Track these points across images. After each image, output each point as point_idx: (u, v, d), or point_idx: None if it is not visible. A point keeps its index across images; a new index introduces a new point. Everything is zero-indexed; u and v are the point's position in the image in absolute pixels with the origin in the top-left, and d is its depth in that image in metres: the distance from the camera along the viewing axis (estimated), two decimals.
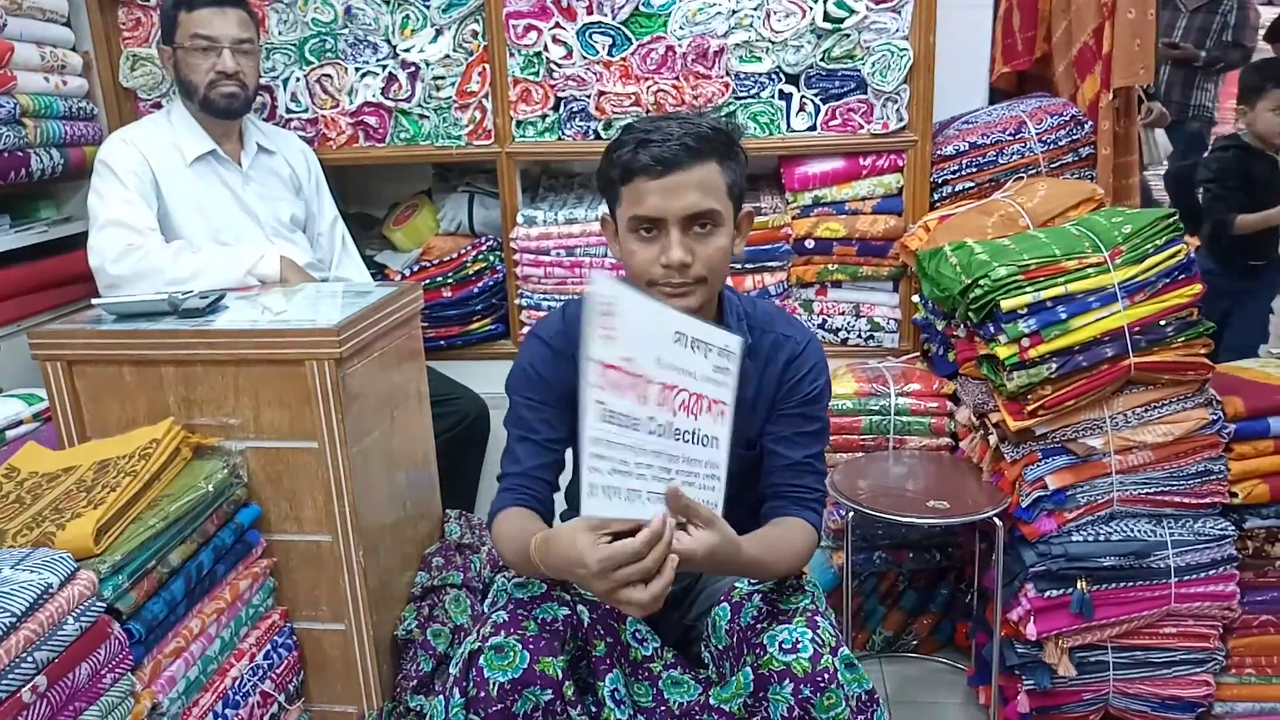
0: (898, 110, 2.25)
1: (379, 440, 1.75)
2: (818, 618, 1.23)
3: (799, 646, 1.17)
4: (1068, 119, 2.27)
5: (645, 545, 1.05)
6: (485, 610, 1.34)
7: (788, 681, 1.15)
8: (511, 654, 1.19)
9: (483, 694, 1.17)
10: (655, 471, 1.10)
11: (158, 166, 2.06)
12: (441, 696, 1.22)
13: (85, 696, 1.25)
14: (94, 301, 1.76)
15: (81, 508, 1.39)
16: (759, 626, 1.26)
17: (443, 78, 2.33)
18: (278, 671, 1.67)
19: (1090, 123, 2.28)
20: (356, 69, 2.36)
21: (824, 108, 2.26)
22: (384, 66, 2.35)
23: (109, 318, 1.73)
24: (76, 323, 1.71)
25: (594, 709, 1.25)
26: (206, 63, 2.05)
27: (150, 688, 1.38)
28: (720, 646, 1.30)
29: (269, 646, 1.67)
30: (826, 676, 1.16)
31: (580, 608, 1.29)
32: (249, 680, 1.61)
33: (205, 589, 1.55)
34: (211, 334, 1.63)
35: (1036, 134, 2.26)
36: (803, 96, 2.26)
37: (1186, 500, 1.78)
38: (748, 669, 1.20)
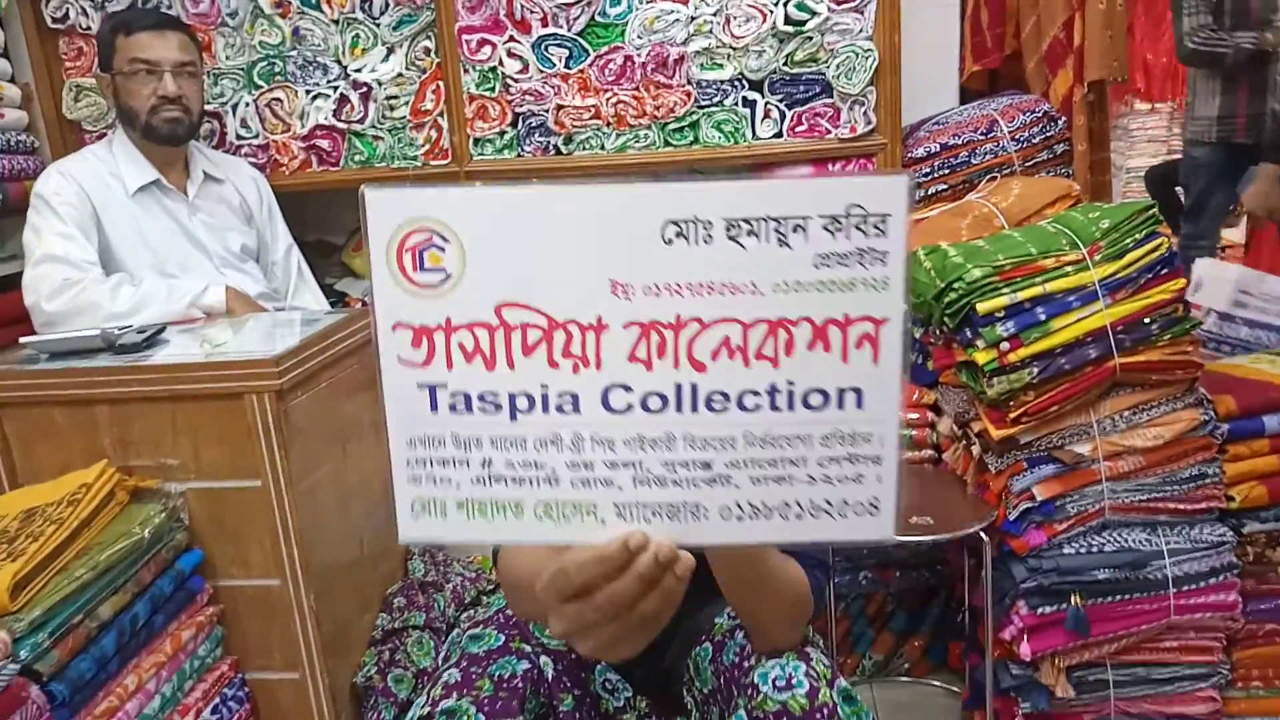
0: (865, 113, 2.18)
1: (330, 475, 1.66)
2: (808, 648, 1.14)
3: (794, 682, 1.07)
4: (1040, 116, 2.21)
5: (619, 550, 0.72)
6: (438, 666, 1.24)
7: None
8: (464, 718, 1.09)
9: None
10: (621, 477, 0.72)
11: (98, 199, 1.98)
12: None
13: None
14: (23, 340, 1.67)
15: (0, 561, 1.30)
16: (745, 665, 1.16)
17: (396, 97, 2.26)
18: None
19: (1064, 119, 2.22)
20: (307, 91, 2.29)
21: (789, 114, 2.19)
22: (335, 88, 2.28)
23: (41, 356, 1.64)
24: (5, 362, 1.62)
25: None
26: (147, 88, 1.98)
27: None
28: (706, 690, 1.20)
29: (218, 700, 1.57)
30: (826, 712, 1.06)
31: (544, 659, 1.19)
32: None
33: (142, 642, 1.45)
34: (146, 370, 1.54)
35: (1009, 132, 2.20)
36: (767, 103, 2.20)
37: (1181, 506, 1.69)
38: (741, 712, 1.10)
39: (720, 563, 0.99)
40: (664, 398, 0.70)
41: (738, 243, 0.67)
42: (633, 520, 0.72)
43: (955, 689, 2.01)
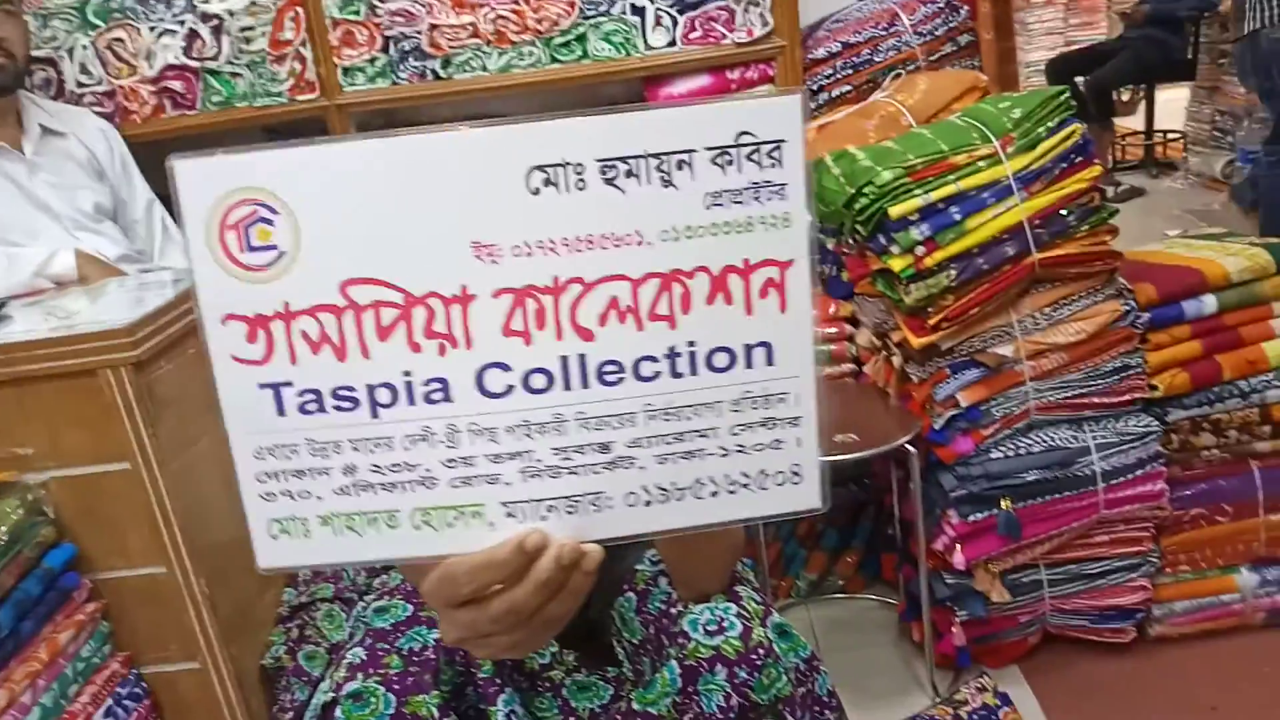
0: (761, 14, 2.06)
1: (209, 449, 1.52)
2: (737, 587, 1.06)
3: (725, 625, 1.00)
4: (943, 6, 2.13)
5: (514, 554, 0.63)
6: (343, 643, 1.14)
7: (720, 667, 0.98)
8: (373, 700, 0.98)
9: None
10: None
11: None
12: None
13: None
14: None
15: None
16: (673, 612, 1.08)
17: (251, 28, 2.06)
18: None
19: (966, 9, 2.13)
20: (152, 29, 2.08)
21: (682, 19, 2.06)
22: (182, 23, 2.07)
23: None
24: None
25: None
26: None
27: None
28: (635, 640, 1.13)
29: (110, 701, 1.44)
30: (761, 652, 0.98)
31: None
32: None
33: (10, 653, 1.31)
34: None
35: (911, 25, 2.10)
36: (658, 9, 2.06)
37: (1106, 400, 1.66)
38: (673, 663, 1.03)
39: None
40: (549, 374, 0.60)
41: (615, 186, 0.57)
42: (526, 519, 0.63)
43: (891, 601, 1.99)
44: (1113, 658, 1.75)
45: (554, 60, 2.07)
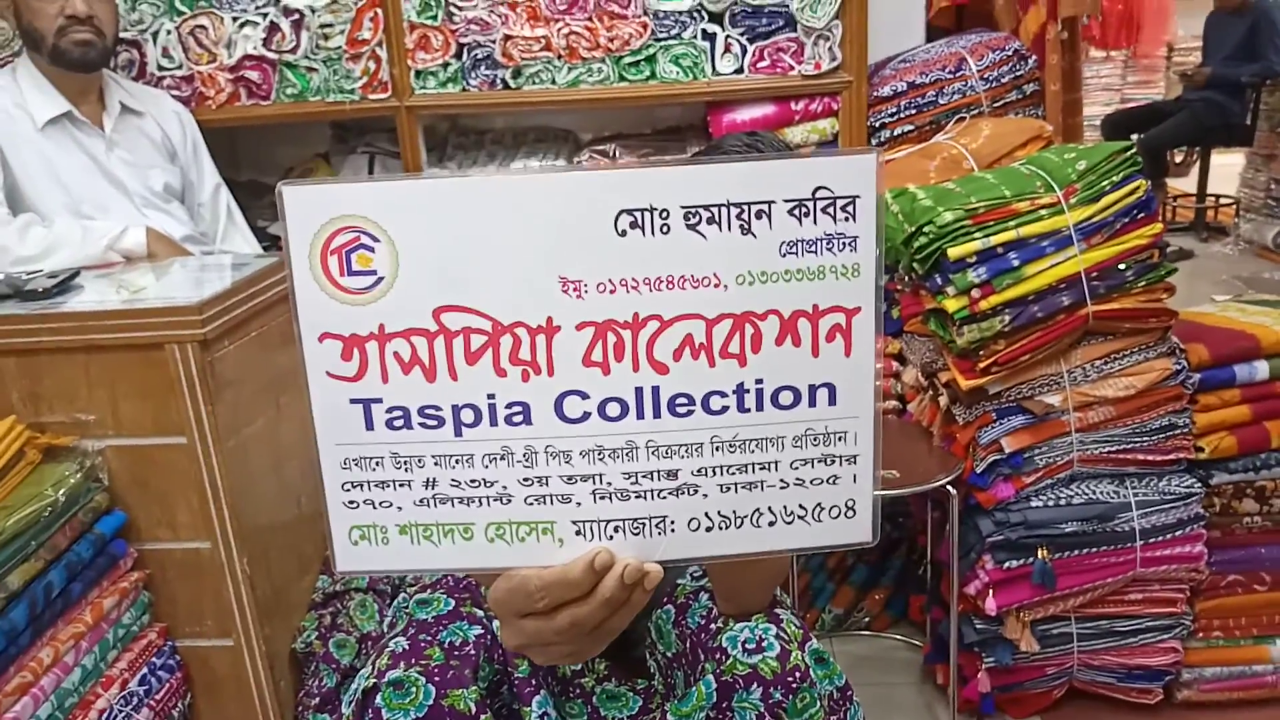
0: (830, 49, 2.08)
1: (262, 431, 1.55)
2: (777, 610, 1.08)
3: (764, 645, 1.01)
4: (1010, 54, 2.13)
5: (584, 573, 0.66)
6: (383, 632, 1.15)
7: (755, 686, 0.99)
8: (413, 690, 1.00)
9: None
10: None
11: (2, 133, 1.81)
12: None
13: None
14: None
15: None
16: (712, 628, 1.09)
17: (330, 25, 2.10)
18: (157, 697, 1.47)
19: (1034, 58, 2.14)
20: (234, 18, 2.12)
21: (751, 48, 2.08)
22: (264, 15, 2.11)
23: None
24: None
25: None
26: (53, 6, 1.80)
27: None
28: (670, 653, 1.14)
29: (145, 670, 1.47)
30: (798, 675, 1.00)
31: (496, 624, 1.11)
32: (121, 710, 1.41)
33: (58, 612, 1.34)
34: (57, 318, 1.41)
35: (978, 71, 2.11)
36: (728, 36, 2.08)
37: (1150, 457, 1.66)
38: (709, 678, 1.04)
39: None
40: (623, 403, 0.64)
41: (697, 231, 0.61)
42: (594, 538, 0.66)
43: (917, 642, 1.98)
44: (1137, 718, 1.73)
45: (622, 79, 2.10)
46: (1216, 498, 1.68)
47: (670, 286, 0.62)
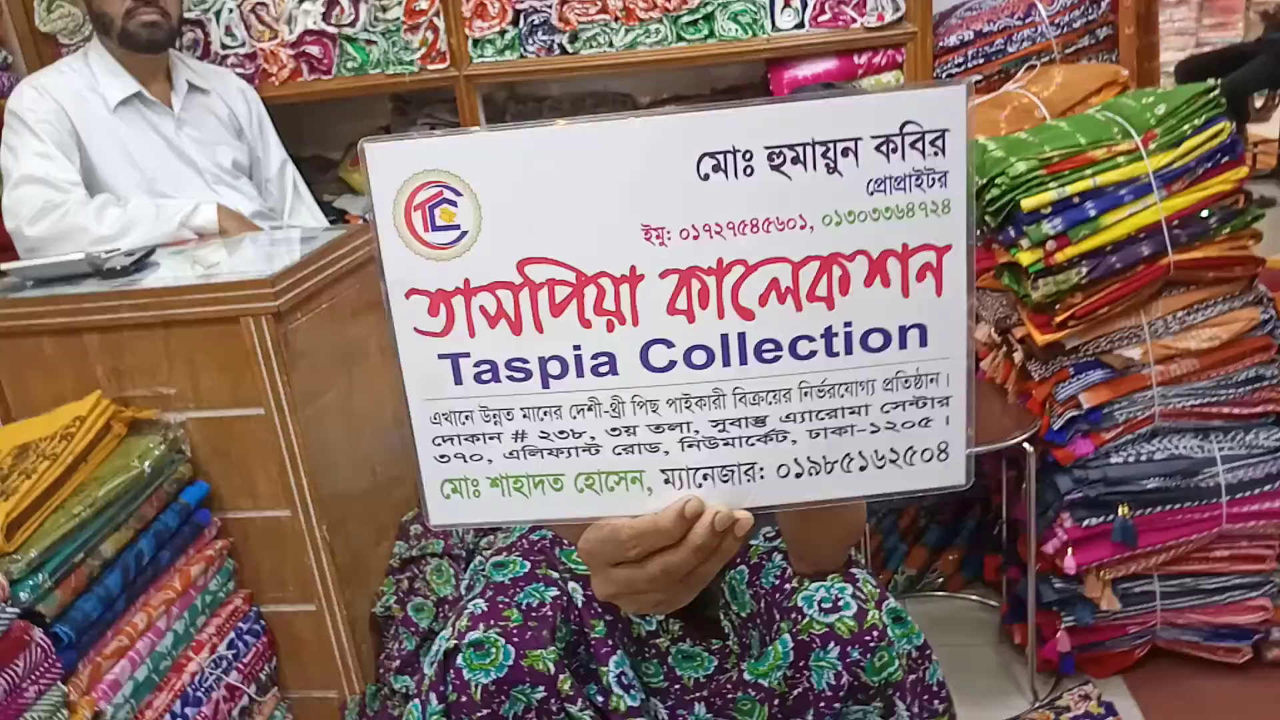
0: (894, 0, 2.02)
1: (336, 401, 1.58)
2: (853, 569, 1.07)
3: (840, 604, 1.01)
4: None
5: (675, 521, 0.66)
6: (462, 594, 1.17)
7: (833, 645, 0.99)
8: (494, 650, 1.01)
9: (464, 698, 1.00)
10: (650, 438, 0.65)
11: (77, 115, 1.86)
12: (417, 701, 1.06)
13: (6, 715, 1.10)
14: (3, 267, 1.57)
15: None
16: (787, 587, 1.09)
17: None
18: (245, 661, 1.52)
19: (1107, 1, 2.06)
20: None
21: (811, 1, 2.04)
22: None
23: (26, 284, 1.55)
24: None
25: (599, 698, 1.09)
26: None
27: (89, 695, 1.23)
28: (744, 614, 1.14)
29: (233, 635, 1.51)
30: (875, 634, 0.99)
31: (572, 585, 1.12)
32: (211, 673, 1.46)
33: (150, 579, 1.39)
34: (135, 294, 1.45)
35: (1048, 16, 2.04)
36: None
37: (1236, 411, 1.60)
38: (786, 637, 1.04)
39: None
40: (709, 351, 0.63)
41: (782, 173, 0.59)
42: (682, 486, 0.66)
43: (992, 603, 1.95)
44: (1225, 678, 1.69)
45: (680, 39, 2.07)
46: None
47: (755, 230, 0.60)
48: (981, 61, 2.06)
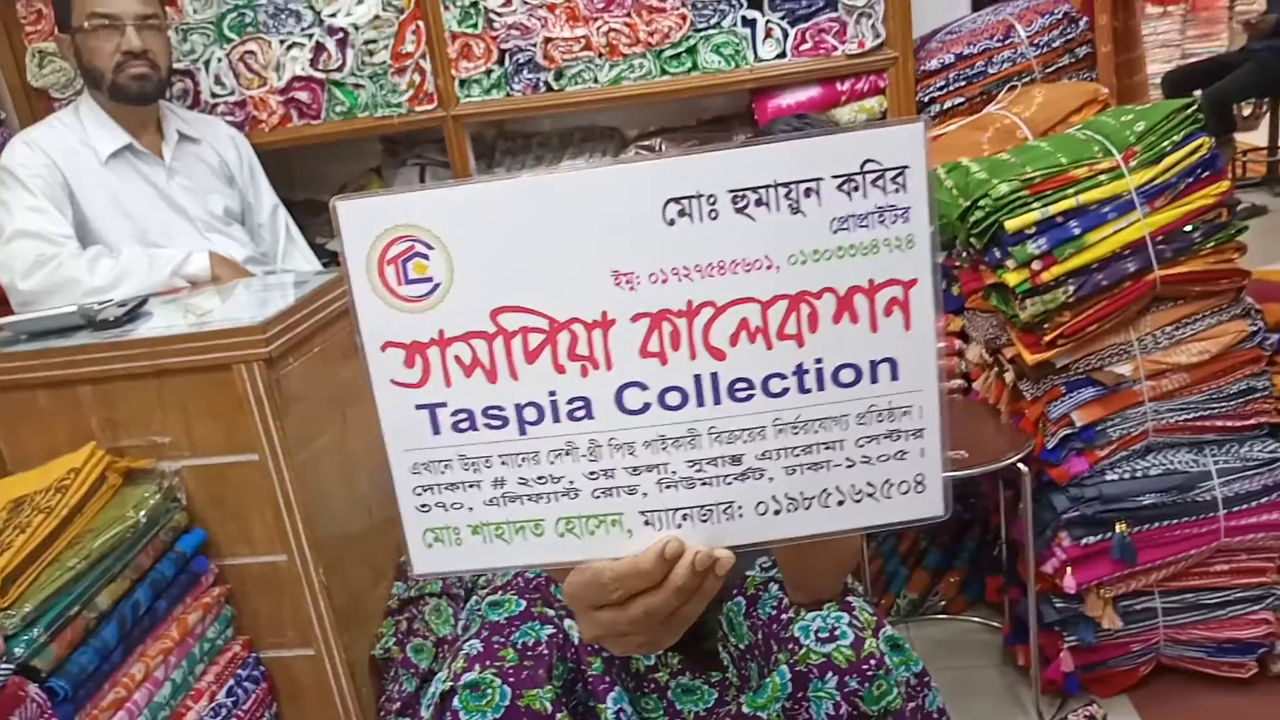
0: (873, 26, 2.04)
1: (331, 444, 1.58)
2: (849, 597, 1.07)
3: (837, 634, 1.00)
4: (1060, 18, 2.08)
5: (656, 562, 0.67)
6: (458, 635, 1.17)
7: (830, 675, 0.98)
8: (490, 691, 1.01)
9: None
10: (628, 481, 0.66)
11: (68, 169, 1.88)
12: None
13: None
14: None
15: None
16: (784, 618, 1.09)
17: (374, 41, 2.13)
18: (244, 708, 1.51)
19: (1085, 19, 2.08)
20: (281, 41, 2.17)
21: (792, 31, 2.06)
22: (310, 36, 2.15)
23: (20, 337, 1.56)
24: None
25: None
26: (110, 44, 1.86)
27: None
28: (742, 645, 1.14)
29: (232, 682, 1.51)
30: (873, 663, 0.99)
31: (568, 622, 1.12)
32: None
33: (146, 629, 1.38)
34: (127, 345, 1.45)
35: (1027, 37, 2.06)
36: (768, 21, 2.06)
37: (1229, 423, 1.60)
38: (784, 668, 1.03)
39: None
40: (683, 392, 0.64)
41: (746, 215, 0.61)
42: (662, 527, 0.67)
43: (995, 624, 1.94)
44: (1230, 693, 1.68)
45: (664, 72, 2.09)
46: None
47: (722, 272, 0.61)
48: (963, 84, 2.08)
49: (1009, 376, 1.68)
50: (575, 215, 0.60)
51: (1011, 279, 1.55)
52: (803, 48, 2.07)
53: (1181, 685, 1.71)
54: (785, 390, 0.64)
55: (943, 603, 2.01)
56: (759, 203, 0.61)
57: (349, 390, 1.66)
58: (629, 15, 2.05)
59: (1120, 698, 1.70)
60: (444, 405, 0.64)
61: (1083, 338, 1.55)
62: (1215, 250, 1.56)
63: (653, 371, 0.63)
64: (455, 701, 1.00)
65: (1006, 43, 2.06)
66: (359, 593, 1.63)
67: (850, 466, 0.66)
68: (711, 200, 0.60)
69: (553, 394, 0.64)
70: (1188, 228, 1.54)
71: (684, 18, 2.05)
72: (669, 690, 1.16)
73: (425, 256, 0.62)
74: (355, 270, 0.63)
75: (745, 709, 1.07)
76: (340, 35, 2.14)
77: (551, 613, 1.12)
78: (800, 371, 0.63)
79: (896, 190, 0.60)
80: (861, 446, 0.65)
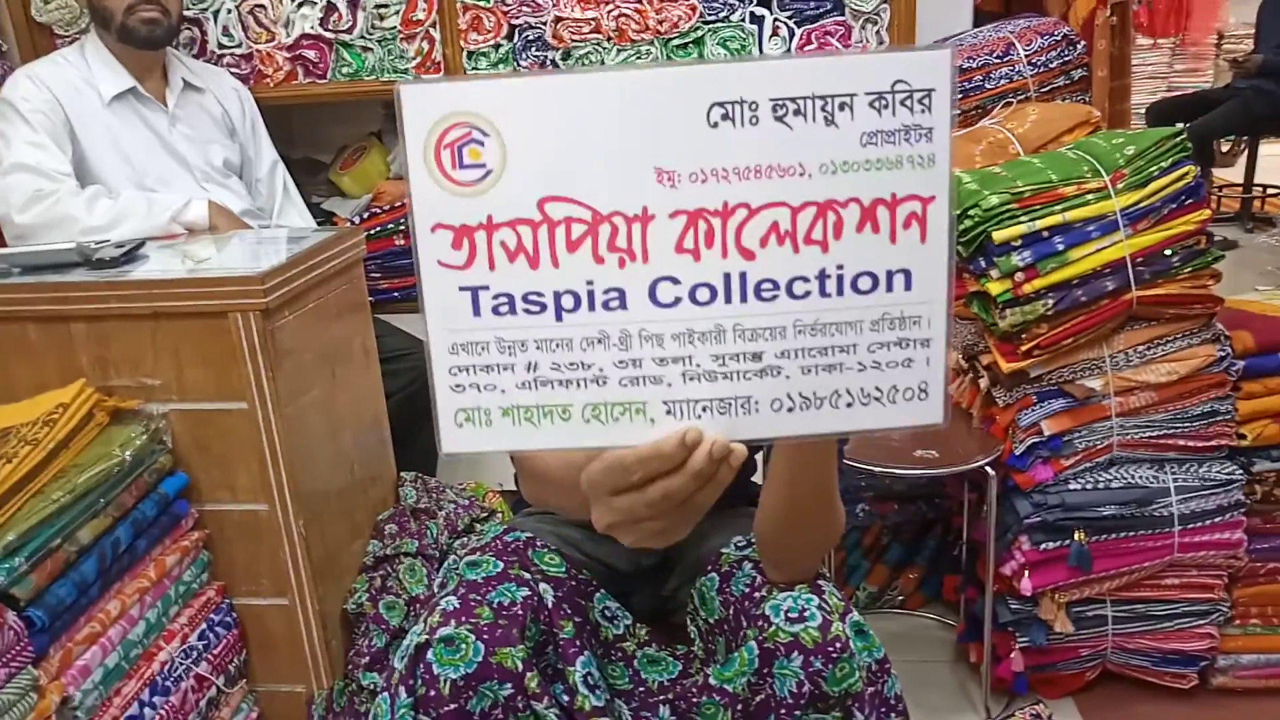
0: (878, 32, 2.09)
1: (319, 399, 1.60)
2: (820, 581, 1.10)
3: (806, 615, 1.04)
4: (1059, 39, 2.12)
5: (677, 447, 0.69)
6: (435, 593, 1.20)
7: (796, 654, 1.02)
8: (464, 646, 1.04)
9: (432, 693, 1.02)
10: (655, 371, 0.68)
11: (71, 107, 1.88)
12: (386, 694, 1.08)
13: None
14: None
15: None
16: (756, 596, 1.12)
17: (386, 6, 2.14)
18: (215, 652, 1.54)
19: (1083, 43, 2.14)
20: None
21: (799, 31, 2.10)
22: None
23: (13, 270, 1.56)
24: None
25: (565, 697, 1.12)
26: None
27: (59, 679, 1.24)
28: (712, 620, 1.17)
29: (204, 626, 1.53)
30: (838, 645, 1.02)
31: (543, 586, 1.15)
32: (181, 663, 1.47)
33: (125, 567, 1.40)
34: (125, 285, 1.47)
35: (1025, 56, 2.11)
36: (776, 19, 2.10)
37: (1191, 443, 1.66)
38: (752, 644, 1.07)
39: (778, 486, 0.99)
40: (712, 289, 0.66)
41: (784, 123, 0.63)
42: (683, 418, 0.69)
43: (950, 621, 2.00)
44: (1171, 702, 1.74)
45: (670, 60, 2.12)
46: (1258, 485, 1.67)
47: (758, 176, 0.64)
48: (960, 96, 2.12)
49: (984, 383, 1.73)
50: (625, 112, 0.63)
51: (994, 288, 1.59)
52: (807, 48, 2.10)
53: (1125, 692, 1.77)
54: (808, 293, 0.66)
55: (901, 598, 2.06)
56: (796, 112, 0.63)
57: (340, 348, 1.68)
58: (640, 1, 2.08)
59: (1066, 700, 1.76)
60: (486, 288, 0.66)
61: (1057, 350, 1.60)
62: (1192, 275, 1.61)
63: (686, 267, 0.66)
64: (430, 654, 1.03)
65: (1005, 60, 2.11)
66: (336, 547, 1.65)
67: (861, 370, 0.69)
68: (753, 107, 0.63)
69: (590, 283, 0.66)
70: (1167, 251, 1.60)
71: (694, 8, 2.07)
72: (635, 659, 1.19)
73: (481, 143, 0.64)
74: (413, 153, 0.64)
75: (711, 681, 1.10)
76: None
77: (528, 576, 1.15)
78: (823, 276, 0.66)
79: (923, 110, 0.63)
80: (873, 352, 0.68)
